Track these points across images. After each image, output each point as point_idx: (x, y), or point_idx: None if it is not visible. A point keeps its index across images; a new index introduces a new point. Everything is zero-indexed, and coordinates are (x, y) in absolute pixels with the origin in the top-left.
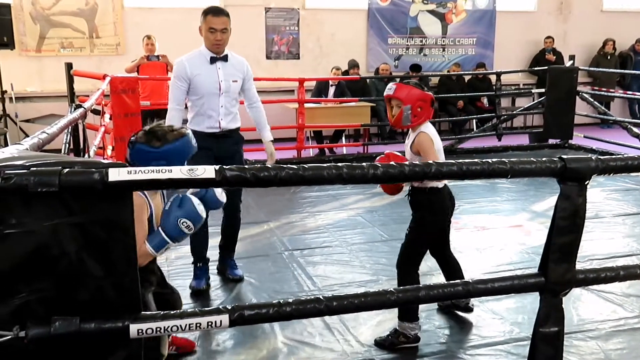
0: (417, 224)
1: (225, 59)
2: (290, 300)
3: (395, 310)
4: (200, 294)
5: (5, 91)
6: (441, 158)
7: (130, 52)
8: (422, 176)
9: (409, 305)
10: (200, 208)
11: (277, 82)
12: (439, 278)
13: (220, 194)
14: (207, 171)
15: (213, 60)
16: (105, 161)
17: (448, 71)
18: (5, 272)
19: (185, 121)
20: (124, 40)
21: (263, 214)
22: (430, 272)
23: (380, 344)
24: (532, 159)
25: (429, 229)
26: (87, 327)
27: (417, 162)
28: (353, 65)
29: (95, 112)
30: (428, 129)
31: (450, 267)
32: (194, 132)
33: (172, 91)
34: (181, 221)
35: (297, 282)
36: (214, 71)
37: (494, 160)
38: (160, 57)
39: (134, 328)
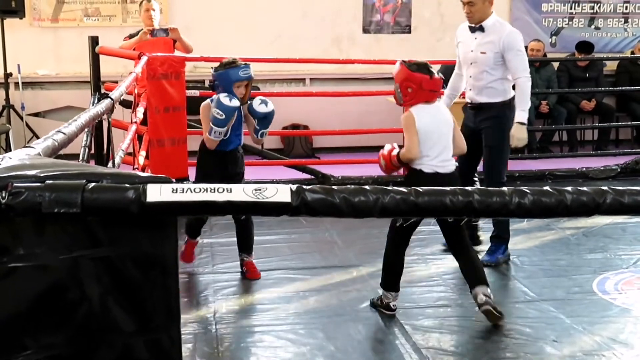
0: None
1: (481, 29)
2: None
3: None
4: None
5: (10, 74)
6: (422, 141)
7: (174, 20)
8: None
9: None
10: (227, 100)
11: (378, 66)
12: None
13: (259, 104)
14: (279, 193)
15: (472, 30)
16: (143, 174)
17: (632, 52)
18: (7, 320)
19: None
20: (166, 4)
21: (352, 255)
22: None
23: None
24: None
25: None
26: None
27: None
28: None
29: (126, 104)
30: (417, 109)
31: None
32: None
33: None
34: (216, 112)
35: (399, 358)
36: (471, 40)
37: None
38: (169, 32)
39: None
